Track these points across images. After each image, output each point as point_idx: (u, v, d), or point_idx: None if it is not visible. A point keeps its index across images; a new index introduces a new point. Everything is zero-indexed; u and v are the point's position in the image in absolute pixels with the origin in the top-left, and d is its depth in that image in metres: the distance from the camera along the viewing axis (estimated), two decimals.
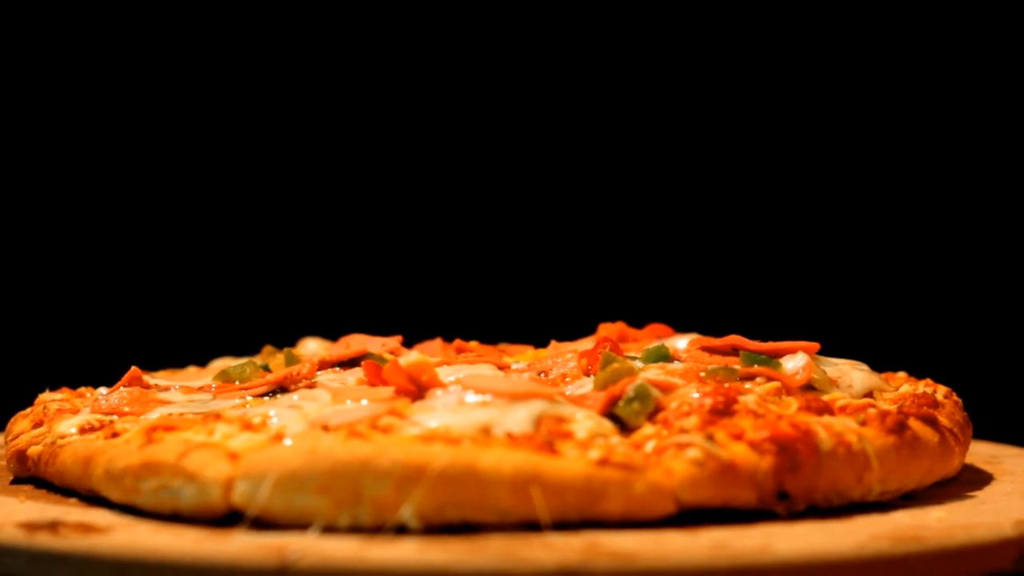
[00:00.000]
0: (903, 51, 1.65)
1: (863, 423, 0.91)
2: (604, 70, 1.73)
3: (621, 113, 1.74)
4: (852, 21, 1.67)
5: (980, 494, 0.94)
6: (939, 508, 0.89)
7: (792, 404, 0.92)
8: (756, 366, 0.98)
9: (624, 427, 0.89)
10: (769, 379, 0.96)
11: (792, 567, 0.75)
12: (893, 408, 0.94)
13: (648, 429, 0.88)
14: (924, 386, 1.05)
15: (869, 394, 0.99)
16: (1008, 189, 1.63)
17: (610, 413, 0.89)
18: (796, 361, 1.00)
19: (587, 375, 1.01)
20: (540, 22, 1.72)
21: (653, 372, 0.96)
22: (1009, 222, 1.63)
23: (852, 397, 0.97)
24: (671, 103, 1.72)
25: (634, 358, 1.02)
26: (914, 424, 0.93)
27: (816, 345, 1.04)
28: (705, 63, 1.70)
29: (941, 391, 1.04)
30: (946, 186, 1.66)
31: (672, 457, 0.84)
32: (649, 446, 0.85)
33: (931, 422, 0.94)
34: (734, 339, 1.05)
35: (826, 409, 0.92)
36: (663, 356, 1.02)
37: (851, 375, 1.01)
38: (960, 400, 1.04)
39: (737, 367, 0.98)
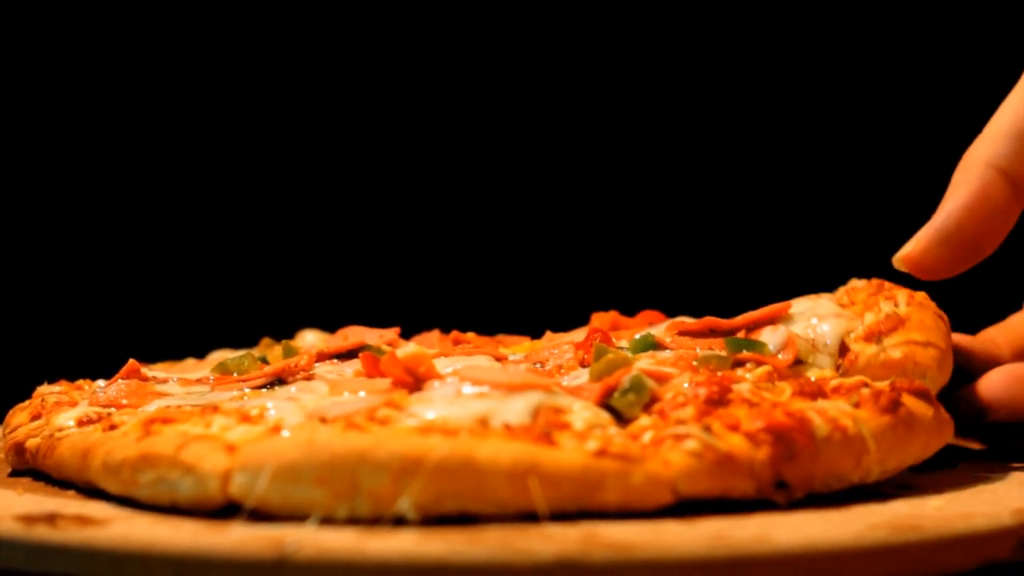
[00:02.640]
0: (891, 43, 1.66)
1: (857, 405, 0.90)
2: (593, 66, 1.73)
3: (616, 108, 1.74)
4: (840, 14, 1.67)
5: (979, 483, 0.94)
6: (937, 497, 0.89)
7: (786, 390, 0.92)
8: (744, 351, 0.98)
9: (620, 418, 0.88)
10: (759, 363, 0.96)
11: (790, 557, 0.75)
12: (886, 387, 0.93)
13: (644, 420, 0.87)
14: (884, 299, 1.04)
15: (843, 348, 0.99)
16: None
17: (606, 404, 0.89)
18: (777, 336, 0.99)
19: (583, 366, 1.01)
20: (531, 20, 1.72)
21: (646, 362, 0.96)
22: None
23: (830, 355, 0.97)
24: (665, 96, 1.72)
25: (624, 348, 1.02)
26: (908, 400, 0.92)
27: (788, 304, 1.03)
28: (690, 56, 1.70)
29: (902, 296, 1.03)
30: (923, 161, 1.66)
31: (670, 448, 0.84)
32: (646, 437, 0.85)
33: (924, 396, 0.94)
34: (709, 321, 1.04)
35: (819, 392, 0.92)
36: (650, 344, 1.01)
37: (821, 329, 1.01)
38: (943, 314, 1.03)
39: (726, 355, 0.97)
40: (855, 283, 1.10)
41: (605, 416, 0.88)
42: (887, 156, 1.68)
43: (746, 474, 0.84)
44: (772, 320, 1.02)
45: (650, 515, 0.82)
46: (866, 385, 0.93)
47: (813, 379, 0.96)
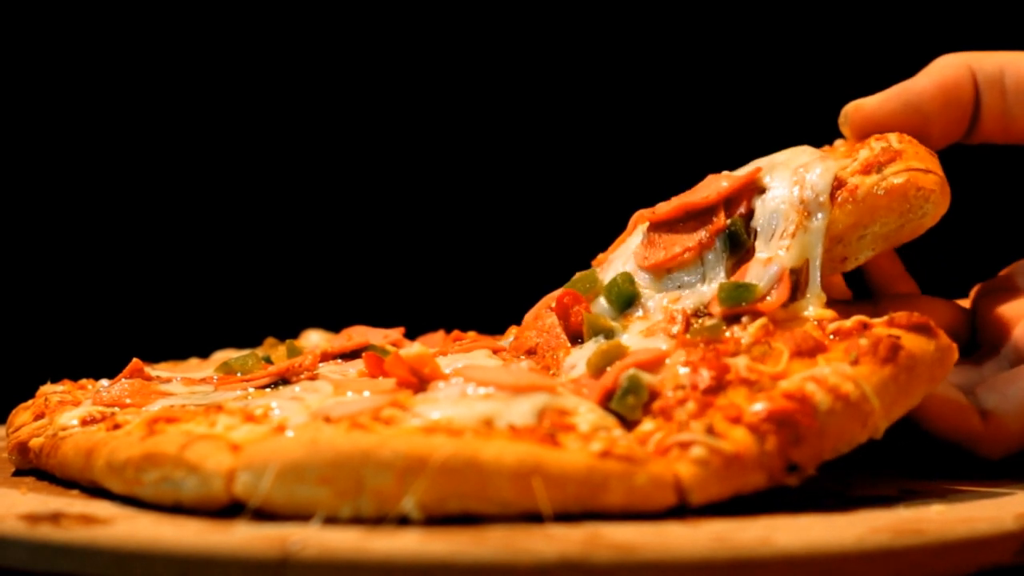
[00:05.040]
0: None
1: (855, 361, 0.88)
2: (574, 64, 1.74)
3: (613, 106, 1.75)
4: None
5: (981, 487, 0.94)
6: (940, 501, 0.89)
7: (783, 354, 0.90)
8: (742, 304, 0.94)
9: (624, 420, 0.88)
10: (754, 315, 0.93)
11: (793, 559, 0.75)
12: (883, 328, 0.91)
13: (648, 424, 0.87)
14: (875, 140, 1.02)
15: (835, 188, 0.98)
16: None
17: (607, 408, 0.89)
18: (770, 272, 0.96)
19: (572, 338, 1.00)
20: (529, 22, 1.73)
21: (636, 339, 0.95)
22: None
23: (821, 199, 0.96)
24: (649, 91, 1.73)
25: (604, 307, 1.01)
26: (907, 341, 0.90)
27: (756, 169, 1.01)
28: (650, 47, 1.71)
29: (893, 136, 1.02)
30: None
31: (676, 458, 0.83)
32: (652, 444, 0.85)
33: (924, 329, 0.91)
34: (682, 204, 1.02)
35: (818, 347, 0.90)
36: (630, 298, 1.00)
37: (810, 178, 0.98)
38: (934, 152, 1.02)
39: (717, 322, 0.94)
40: (838, 142, 1.08)
41: (611, 419, 0.88)
42: None
43: (756, 469, 0.84)
44: (748, 189, 1.00)
45: (653, 516, 0.82)
46: (865, 326, 0.91)
47: (811, 312, 0.94)
